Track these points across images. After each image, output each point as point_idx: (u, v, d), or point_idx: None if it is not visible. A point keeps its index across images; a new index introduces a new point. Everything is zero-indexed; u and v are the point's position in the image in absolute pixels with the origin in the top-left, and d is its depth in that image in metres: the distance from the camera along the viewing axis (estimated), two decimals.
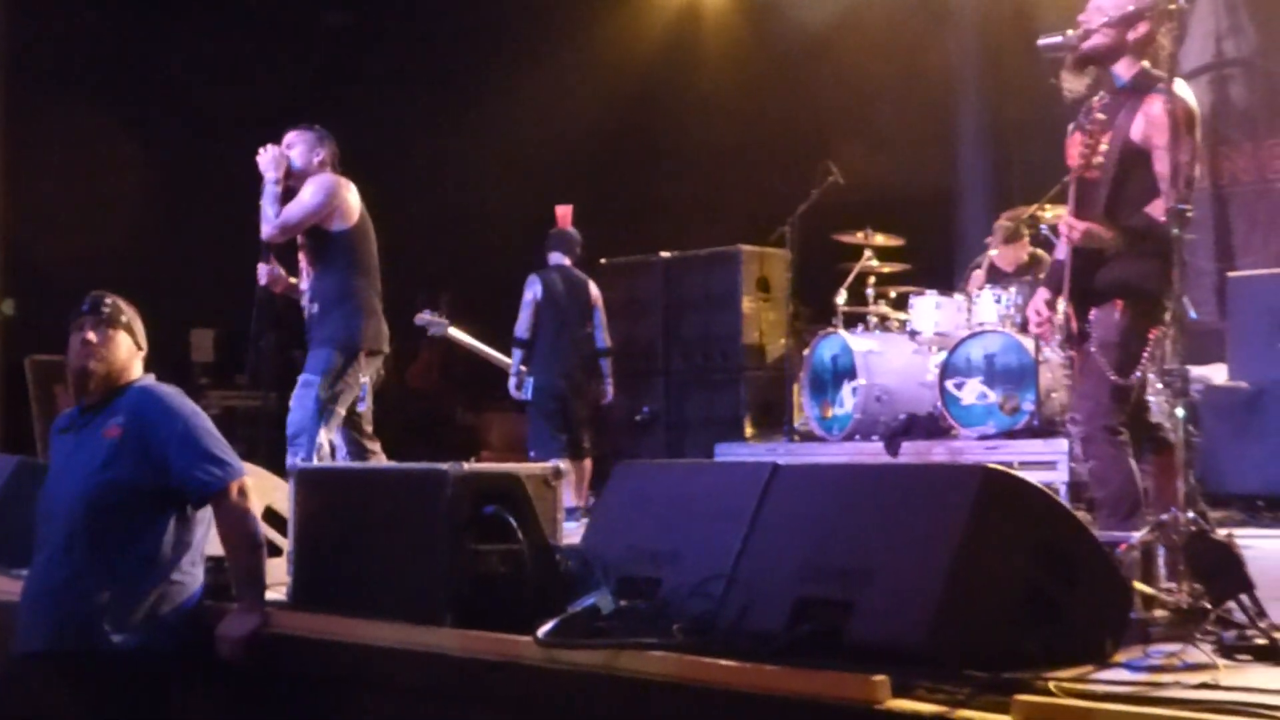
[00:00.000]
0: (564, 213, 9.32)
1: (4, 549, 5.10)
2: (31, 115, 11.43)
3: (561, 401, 8.94)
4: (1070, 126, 4.94)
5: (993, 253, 8.73)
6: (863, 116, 11.92)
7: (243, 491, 4.19)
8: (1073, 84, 4.82)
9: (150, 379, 4.44)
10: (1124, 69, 4.79)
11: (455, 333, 8.69)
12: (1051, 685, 2.86)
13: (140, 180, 12.30)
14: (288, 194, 6.46)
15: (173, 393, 4.37)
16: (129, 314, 4.43)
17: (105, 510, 4.14)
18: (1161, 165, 4.49)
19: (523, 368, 8.92)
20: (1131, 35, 4.74)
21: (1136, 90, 4.74)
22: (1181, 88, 4.46)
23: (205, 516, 4.29)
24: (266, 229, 6.39)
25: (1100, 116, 4.79)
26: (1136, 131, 4.69)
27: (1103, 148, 4.75)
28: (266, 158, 6.43)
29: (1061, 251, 4.97)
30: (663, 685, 3.22)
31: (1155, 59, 4.75)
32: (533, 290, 9.01)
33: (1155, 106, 4.58)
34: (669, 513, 3.78)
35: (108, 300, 4.39)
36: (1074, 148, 4.86)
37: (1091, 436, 4.77)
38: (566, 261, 9.22)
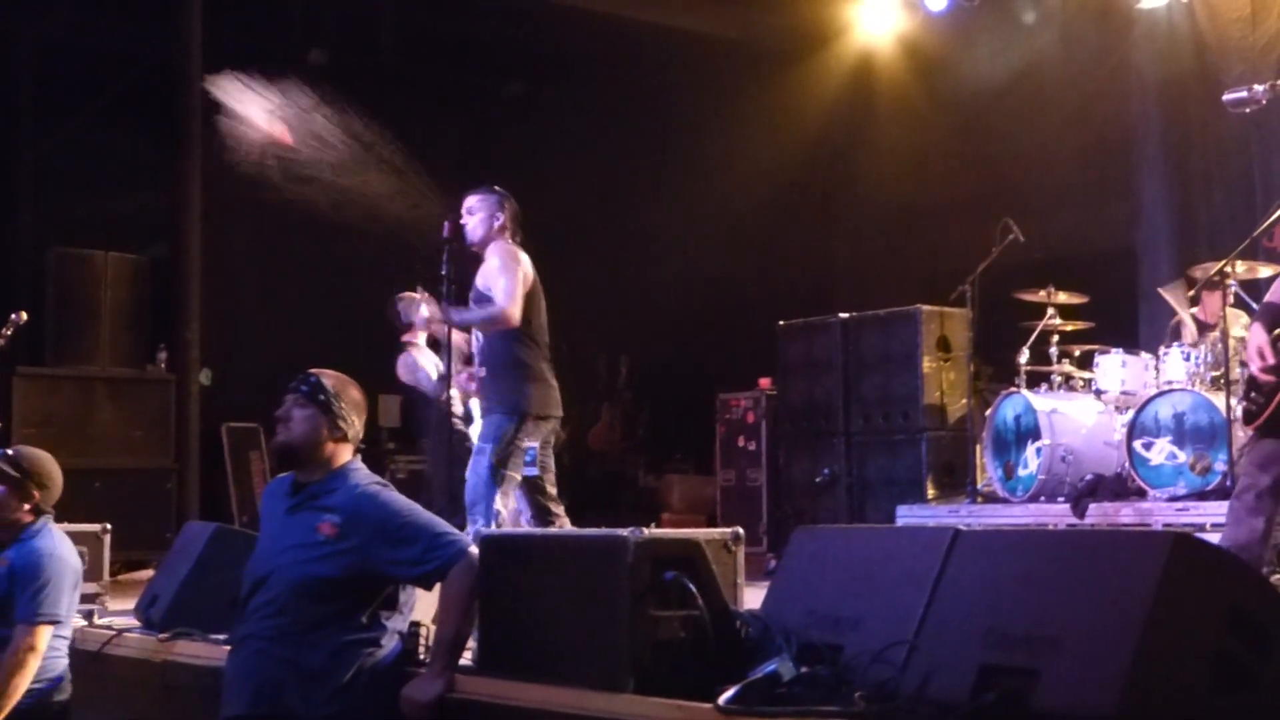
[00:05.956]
0: None
1: (202, 614, 5.27)
2: (224, 200, 11.90)
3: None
4: None
5: (1193, 310, 8.60)
6: (1042, 173, 11.78)
7: (471, 562, 4.23)
8: None
9: (357, 464, 4.46)
10: None
11: None
12: None
13: (325, 256, 12.70)
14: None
15: (380, 488, 4.39)
16: (334, 395, 4.39)
17: (312, 598, 4.22)
18: None
19: None
20: None
21: None
22: None
23: (410, 590, 4.38)
24: (497, 325, 6.46)
25: None
26: None
27: None
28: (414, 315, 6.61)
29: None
30: None
31: None
32: None
33: None
34: (850, 578, 3.76)
35: (311, 378, 4.43)
36: None
37: None
38: None
